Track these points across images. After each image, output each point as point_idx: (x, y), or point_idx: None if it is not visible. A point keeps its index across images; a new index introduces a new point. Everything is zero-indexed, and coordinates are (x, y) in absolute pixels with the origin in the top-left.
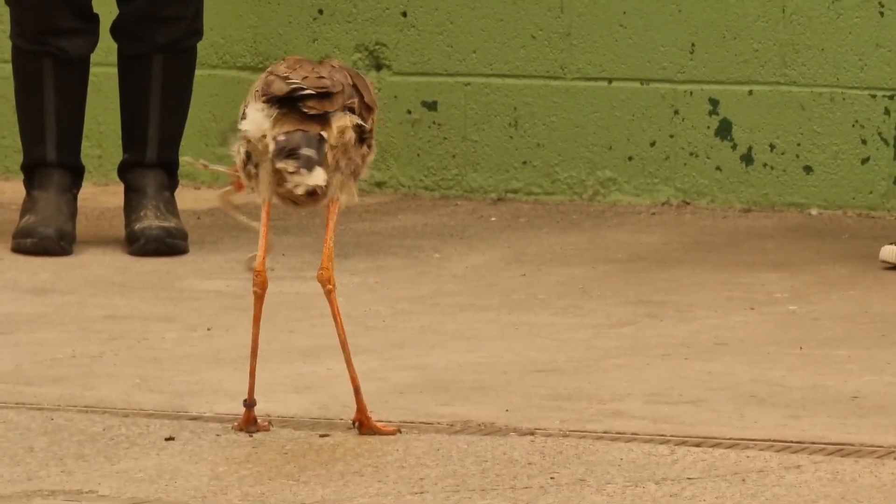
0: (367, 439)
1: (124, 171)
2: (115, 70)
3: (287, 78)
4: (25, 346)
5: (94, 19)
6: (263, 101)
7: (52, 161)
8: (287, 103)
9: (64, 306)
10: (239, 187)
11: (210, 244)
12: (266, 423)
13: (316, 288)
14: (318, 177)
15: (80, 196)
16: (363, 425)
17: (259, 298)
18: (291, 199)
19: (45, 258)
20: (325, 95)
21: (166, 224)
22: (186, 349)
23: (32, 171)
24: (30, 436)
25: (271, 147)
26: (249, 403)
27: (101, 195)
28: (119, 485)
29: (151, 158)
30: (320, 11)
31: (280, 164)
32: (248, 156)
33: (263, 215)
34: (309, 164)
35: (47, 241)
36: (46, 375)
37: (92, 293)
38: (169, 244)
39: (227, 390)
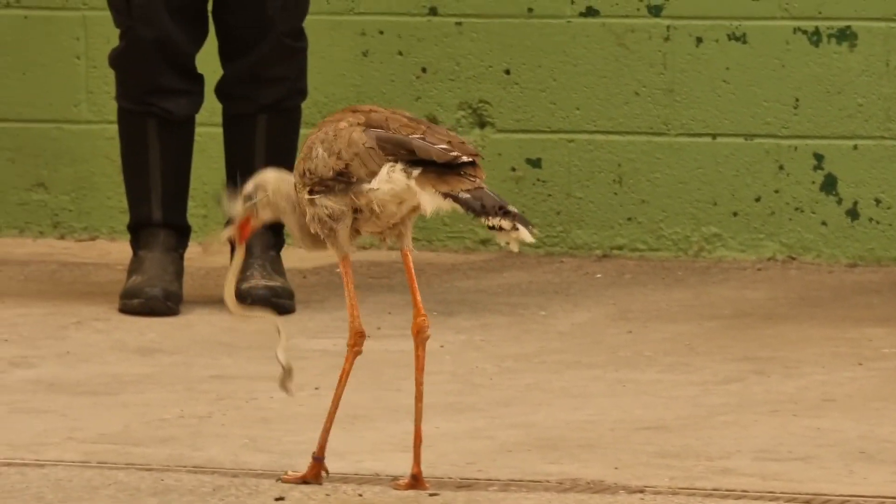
0: (477, 497)
1: None
2: (219, 130)
3: (433, 143)
4: (133, 406)
5: (199, 80)
6: (403, 163)
7: (157, 221)
8: (432, 165)
9: (171, 366)
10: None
11: (316, 303)
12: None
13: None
14: (527, 235)
15: (185, 256)
16: (418, 479)
17: (355, 356)
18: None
19: (152, 318)
20: (474, 164)
21: (272, 283)
22: (294, 409)
23: (138, 232)
24: (140, 496)
25: (440, 204)
26: (318, 457)
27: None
28: None
29: None
30: (423, 69)
31: (494, 222)
32: (331, 215)
33: (346, 271)
34: (524, 222)
35: (154, 301)
36: (155, 436)
37: (199, 353)
38: (275, 303)
39: (334, 450)
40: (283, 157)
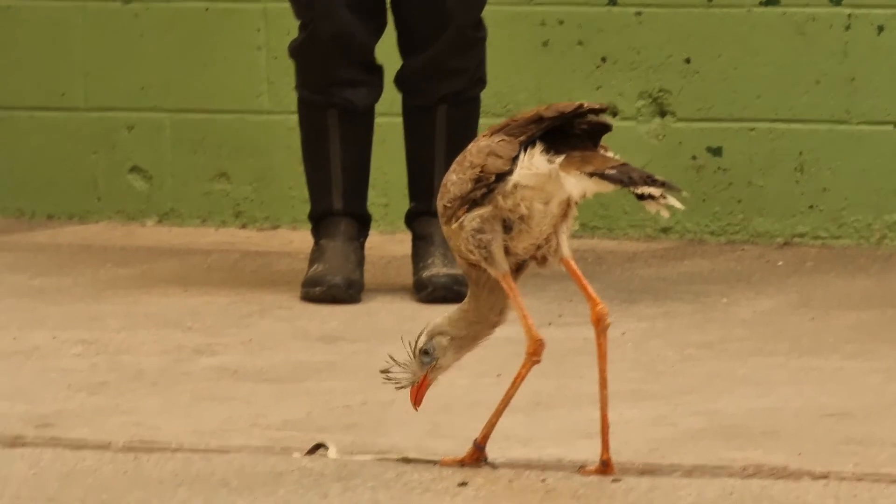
0: (660, 483)
1: (411, 219)
2: (400, 120)
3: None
4: (316, 394)
5: (378, 71)
6: (542, 147)
7: (338, 210)
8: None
9: (354, 354)
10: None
11: None
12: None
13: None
14: (676, 201)
15: (367, 245)
16: (608, 465)
17: (533, 365)
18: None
19: (334, 306)
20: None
21: (454, 271)
22: (476, 396)
23: (319, 221)
24: (323, 482)
25: (587, 186)
26: (480, 445)
27: (388, 244)
28: None
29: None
30: (603, 59)
31: (643, 191)
32: (480, 229)
33: (511, 286)
34: (673, 188)
35: (336, 289)
36: (338, 423)
37: (381, 341)
38: (456, 291)
39: (518, 436)
40: (463, 147)
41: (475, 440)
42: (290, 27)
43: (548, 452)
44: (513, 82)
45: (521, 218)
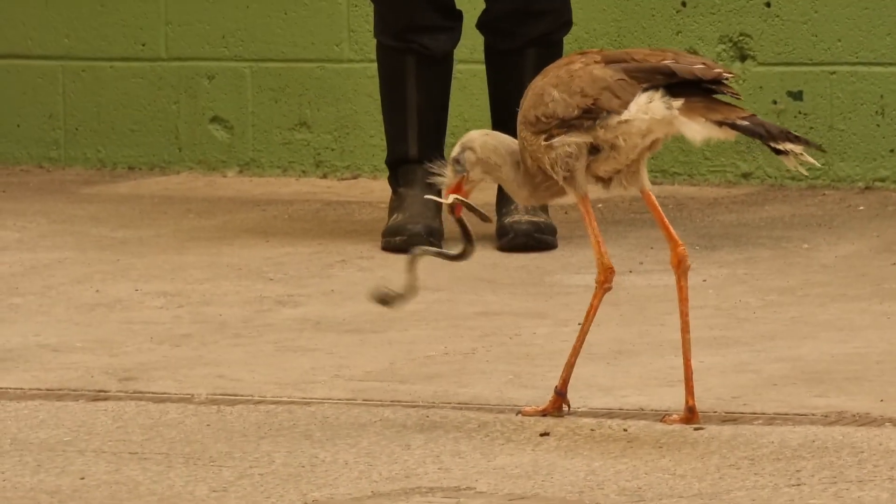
0: (742, 431)
1: None
2: (480, 67)
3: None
4: (398, 344)
5: (457, 16)
6: (663, 91)
7: (413, 157)
8: (694, 92)
9: (435, 303)
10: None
11: (578, 238)
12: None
13: (689, 280)
14: (812, 159)
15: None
16: (693, 412)
17: (605, 293)
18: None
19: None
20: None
21: (535, 219)
22: (558, 344)
23: (396, 168)
24: (406, 433)
25: (713, 133)
26: (561, 391)
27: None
28: (496, 481)
29: None
30: (683, 3)
31: (783, 146)
32: (572, 154)
33: (588, 209)
34: (811, 143)
35: (417, 238)
36: (420, 373)
37: (463, 290)
38: (538, 238)
39: (600, 385)
40: None
41: (556, 387)
42: None
43: (630, 401)
44: (593, 27)
45: (613, 147)
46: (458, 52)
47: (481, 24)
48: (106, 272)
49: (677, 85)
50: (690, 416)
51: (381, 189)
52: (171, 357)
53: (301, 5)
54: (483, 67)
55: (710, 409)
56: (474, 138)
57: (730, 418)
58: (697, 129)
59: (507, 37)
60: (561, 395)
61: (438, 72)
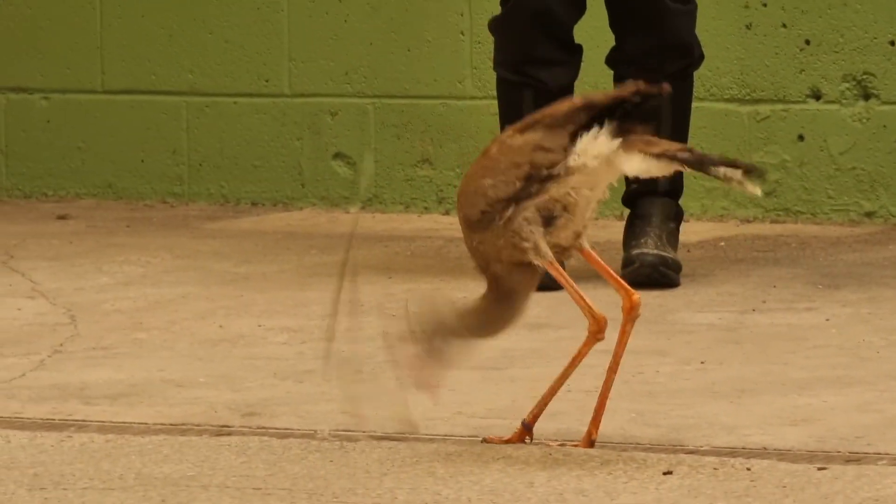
0: (866, 472)
1: (632, 198)
2: None
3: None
4: (521, 381)
5: (576, 50)
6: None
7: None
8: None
9: (557, 341)
10: None
11: (701, 277)
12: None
13: (810, 320)
14: (753, 186)
15: None
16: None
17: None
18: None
19: (538, 293)
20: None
21: (664, 253)
22: (681, 383)
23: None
24: (529, 471)
25: (652, 167)
26: (529, 424)
27: (591, 229)
28: None
29: (663, 187)
30: (807, 42)
31: (722, 172)
32: (530, 220)
33: (559, 272)
34: (752, 168)
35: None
36: (543, 411)
37: (585, 328)
38: (662, 272)
39: (723, 424)
40: (685, 125)
41: (523, 420)
42: (495, 11)
43: (753, 440)
44: (716, 66)
45: (566, 207)
46: (580, 88)
47: (612, 60)
48: (229, 307)
49: (602, 118)
50: (588, 443)
51: None
52: (295, 393)
53: (424, 42)
54: None
55: (833, 450)
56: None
57: (853, 458)
58: (636, 164)
59: (643, 72)
60: (528, 427)
61: None
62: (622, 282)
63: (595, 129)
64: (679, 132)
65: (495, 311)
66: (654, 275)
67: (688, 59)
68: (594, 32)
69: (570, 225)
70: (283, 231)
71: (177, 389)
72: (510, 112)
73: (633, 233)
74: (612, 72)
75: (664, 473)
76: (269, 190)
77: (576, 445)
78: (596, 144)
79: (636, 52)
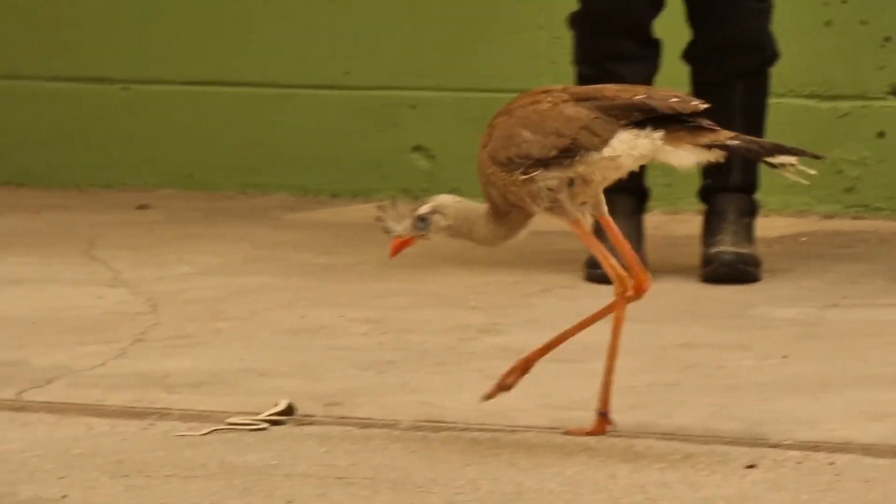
0: None
1: (706, 194)
2: None
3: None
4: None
5: (655, 45)
6: (641, 126)
7: (614, 185)
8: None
9: (639, 335)
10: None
11: (781, 272)
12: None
13: (890, 315)
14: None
15: (649, 224)
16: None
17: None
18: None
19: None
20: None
21: (741, 250)
22: (762, 377)
23: None
24: (610, 464)
25: (702, 157)
26: (604, 412)
27: (671, 223)
28: None
29: (736, 182)
30: (887, 39)
31: (782, 160)
32: (553, 188)
33: (583, 231)
34: (804, 152)
35: None
36: (624, 403)
37: (666, 321)
38: (742, 270)
39: (805, 418)
40: (759, 121)
41: (597, 409)
42: (573, 6)
43: (836, 434)
44: (795, 63)
45: (585, 181)
46: (659, 84)
47: (687, 55)
48: (310, 298)
49: (655, 119)
50: (600, 424)
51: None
52: (376, 383)
53: (503, 36)
54: None
55: None
56: (448, 204)
57: None
58: (685, 156)
59: (717, 68)
60: (603, 415)
61: None
62: (633, 262)
63: (639, 130)
64: (752, 129)
65: (485, 224)
66: (734, 273)
67: (760, 57)
68: (673, 27)
69: (581, 195)
70: (363, 223)
71: (258, 379)
72: None
73: (709, 230)
74: (688, 67)
75: (747, 467)
76: (348, 181)
77: (589, 433)
78: (637, 143)
79: (710, 48)
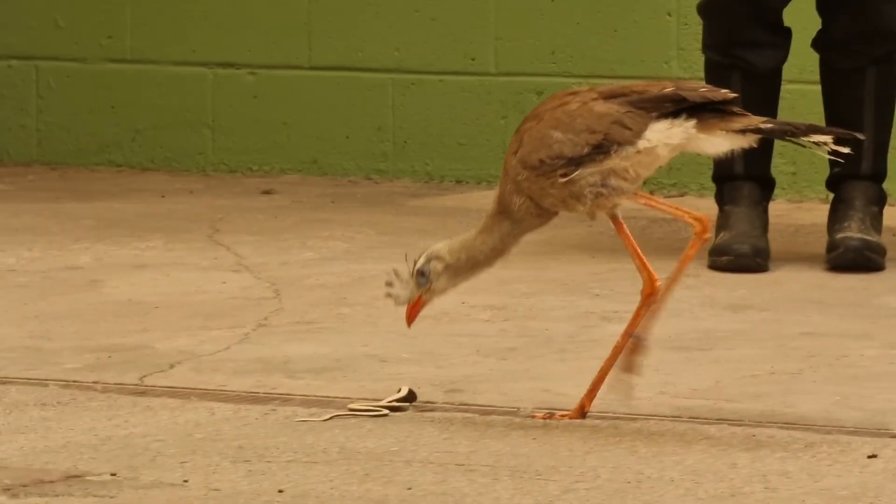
0: None
1: (835, 182)
2: (809, 87)
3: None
4: (725, 362)
5: (785, 33)
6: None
7: (739, 174)
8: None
9: (762, 323)
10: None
11: None
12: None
13: None
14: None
15: (774, 213)
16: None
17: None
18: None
19: (742, 275)
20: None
21: (868, 237)
22: (885, 367)
23: (722, 185)
24: (732, 452)
25: (736, 143)
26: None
27: (796, 212)
28: (823, 502)
29: (866, 170)
30: None
31: (815, 139)
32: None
33: (622, 228)
34: (836, 131)
35: (744, 258)
36: (746, 392)
37: (789, 310)
38: (867, 257)
39: None
40: (890, 110)
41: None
42: None
43: None
44: None
45: (621, 177)
46: (788, 72)
47: (818, 43)
48: None
49: (686, 109)
50: (580, 414)
51: (707, 207)
52: (497, 370)
53: (631, 22)
54: (813, 88)
55: None
56: (439, 248)
57: None
58: (719, 143)
59: (848, 56)
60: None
61: (764, 89)
62: (647, 264)
63: (672, 119)
64: (881, 117)
65: (498, 233)
66: (859, 259)
67: (892, 44)
68: (802, 15)
69: (615, 194)
70: (487, 209)
71: (380, 365)
72: None
73: (836, 217)
74: (819, 55)
75: (869, 457)
76: (473, 168)
77: (564, 416)
78: (670, 134)
79: (841, 36)
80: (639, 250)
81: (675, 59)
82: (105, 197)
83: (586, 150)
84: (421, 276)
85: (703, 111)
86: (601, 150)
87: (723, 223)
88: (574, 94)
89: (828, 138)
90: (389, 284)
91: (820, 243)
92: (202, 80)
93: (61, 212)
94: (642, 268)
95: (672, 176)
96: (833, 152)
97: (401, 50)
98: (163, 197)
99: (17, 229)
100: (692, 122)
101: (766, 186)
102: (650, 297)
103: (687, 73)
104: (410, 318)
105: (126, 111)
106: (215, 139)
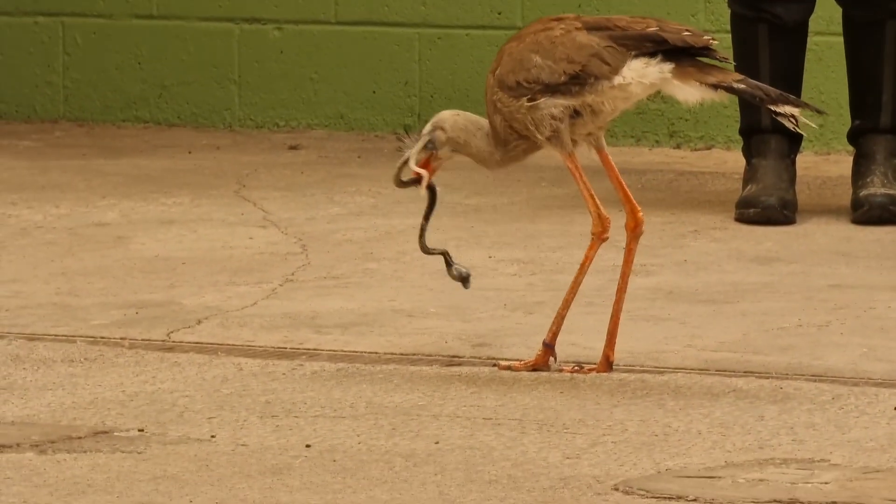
0: None
1: (855, 136)
2: (837, 39)
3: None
4: (752, 315)
5: None
6: (652, 56)
7: (766, 126)
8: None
9: (789, 276)
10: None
11: None
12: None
13: None
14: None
15: (801, 165)
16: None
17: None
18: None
19: (769, 227)
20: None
21: (891, 192)
22: None
23: (749, 138)
24: (759, 404)
25: (707, 96)
26: (549, 344)
27: (823, 164)
28: (850, 454)
29: (885, 124)
30: None
31: (784, 109)
32: (555, 116)
33: (576, 166)
34: (805, 104)
35: (770, 210)
36: (773, 344)
37: (816, 262)
38: (892, 211)
39: None
40: None
41: (544, 340)
42: None
43: None
44: None
45: (593, 110)
46: (815, 24)
47: None
48: (460, 238)
49: (666, 51)
50: (607, 366)
51: (734, 160)
52: (524, 324)
53: None
54: (840, 39)
55: None
56: (445, 118)
57: None
58: (691, 92)
59: (867, 8)
60: (549, 347)
61: (791, 41)
62: (630, 196)
63: (649, 59)
64: None
65: (486, 142)
66: (884, 215)
67: None
68: None
69: (588, 125)
70: (513, 164)
71: (407, 319)
72: (744, 47)
73: (858, 172)
74: (842, 6)
75: (895, 409)
76: None
77: (592, 370)
78: (647, 72)
79: None
80: (623, 183)
81: (703, 11)
82: (132, 153)
83: (563, 78)
84: (429, 141)
85: (682, 56)
86: (577, 80)
87: (750, 176)
88: (559, 20)
89: (796, 111)
90: (400, 140)
91: (847, 195)
92: (228, 36)
93: (88, 168)
94: (626, 200)
95: (699, 129)
96: (797, 125)
97: (427, 4)
98: (189, 153)
99: (44, 186)
100: (669, 66)
101: (793, 139)
102: (636, 230)
103: (714, 25)
104: (427, 180)
105: (152, 67)
106: (242, 95)
